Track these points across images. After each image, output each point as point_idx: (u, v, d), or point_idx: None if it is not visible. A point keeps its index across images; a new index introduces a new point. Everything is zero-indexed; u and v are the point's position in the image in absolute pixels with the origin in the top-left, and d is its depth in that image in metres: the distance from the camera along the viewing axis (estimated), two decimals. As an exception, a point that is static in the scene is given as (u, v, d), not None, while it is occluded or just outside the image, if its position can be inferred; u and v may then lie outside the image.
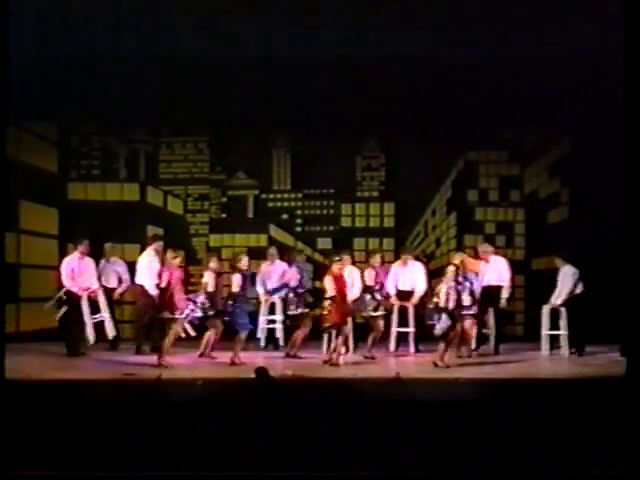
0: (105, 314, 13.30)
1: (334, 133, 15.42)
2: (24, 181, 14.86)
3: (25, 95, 13.18)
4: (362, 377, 10.96)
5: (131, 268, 13.83)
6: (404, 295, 13.53)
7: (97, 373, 11.56)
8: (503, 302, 13.45)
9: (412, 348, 13.46)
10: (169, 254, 12.35)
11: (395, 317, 13.45)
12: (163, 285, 12.08)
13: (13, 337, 13.44)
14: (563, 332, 13.26)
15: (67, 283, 13.21)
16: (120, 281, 14.03)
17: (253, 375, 10.29)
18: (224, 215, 16.63)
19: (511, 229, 16.40)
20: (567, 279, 13.34)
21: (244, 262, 12.52)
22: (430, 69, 14.63)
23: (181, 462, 7.32)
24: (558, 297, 13.32)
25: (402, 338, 13.58)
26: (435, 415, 8.34)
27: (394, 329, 13.45)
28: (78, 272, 13.30)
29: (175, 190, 16.58)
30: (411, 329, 13.44)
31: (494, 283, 13.41)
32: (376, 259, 13.63)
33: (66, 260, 13.49)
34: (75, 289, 13.16)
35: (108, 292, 13.70)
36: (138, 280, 13.43)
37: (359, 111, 15.06)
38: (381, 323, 13.21)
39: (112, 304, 13.75)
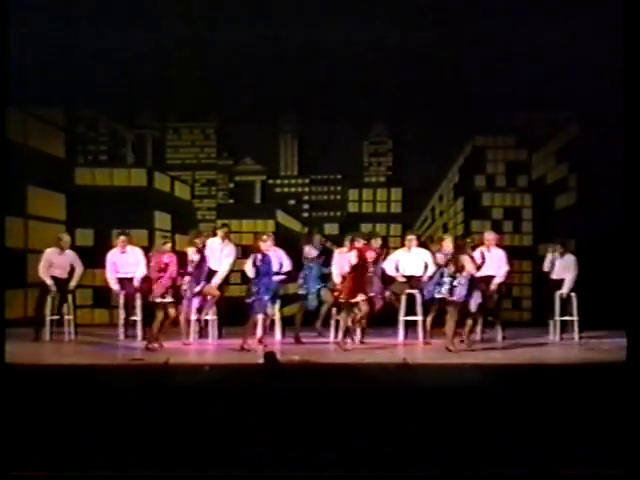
0: None
1: (341, 118, 15.39)
2: (31, 166, 14.90)
3: (32, 80, 13.21)
4: (369, 362, 10.96)
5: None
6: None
7: (104, 358, 11.57)
8: (493, 287, 13.19)
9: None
10: None
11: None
12: None
13: (20, 322, 13.52)
14: (575, 318, 13.28)
15: None
16: None
17: (262, 360, 10.33)
18: (231, 201, 16.64)
19: (518, 214, 16.39)
20: (574, 266, 13.38)
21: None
22: (437, 55, 14.59)
23: (186, 448, 7.33)
24: (569, 284, 13.36)
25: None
26: (441, 400, 8.36)
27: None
28: None
29: (182, 176, 16.60)
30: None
31: (489, 273, 13.15)
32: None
33: None
34: None
35: None
36: None
37: (366, 96, 15.02)
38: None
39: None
